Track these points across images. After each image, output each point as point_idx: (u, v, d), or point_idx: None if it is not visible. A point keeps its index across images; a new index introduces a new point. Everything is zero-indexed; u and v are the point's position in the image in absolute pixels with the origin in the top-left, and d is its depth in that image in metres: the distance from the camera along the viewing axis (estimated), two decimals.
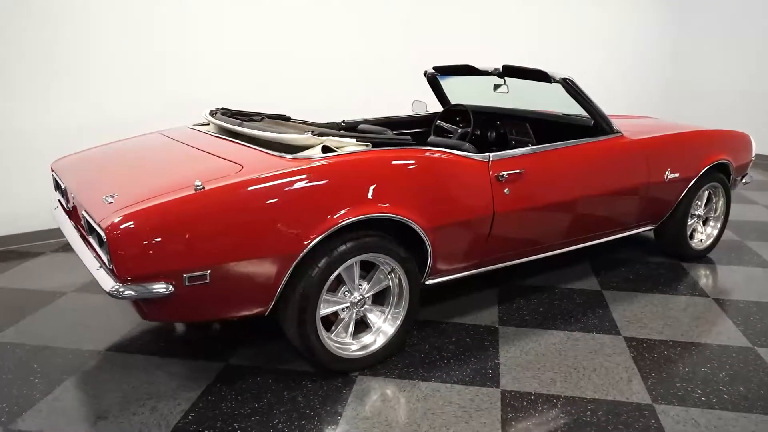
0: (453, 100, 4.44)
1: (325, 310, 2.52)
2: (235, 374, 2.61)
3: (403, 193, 2.55)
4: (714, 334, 2.98)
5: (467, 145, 2.94)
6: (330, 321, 2.63)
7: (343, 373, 2.60)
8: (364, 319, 2.69)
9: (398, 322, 2.70)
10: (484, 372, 2.63)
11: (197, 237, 2.15)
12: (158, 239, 2.10)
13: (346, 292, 2.58)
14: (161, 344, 2.86)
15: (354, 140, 2.61)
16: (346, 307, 2.60)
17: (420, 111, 4.40)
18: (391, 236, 2.59)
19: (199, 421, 2.27)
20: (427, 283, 2.84)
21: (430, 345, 2.87)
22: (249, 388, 2.51)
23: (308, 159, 2.43)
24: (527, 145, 3.33)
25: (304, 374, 2.59)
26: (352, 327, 2.63)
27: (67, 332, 2.96)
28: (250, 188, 2.25)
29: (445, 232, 2.70)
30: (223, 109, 3.47)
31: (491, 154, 2.87)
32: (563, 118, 3.64)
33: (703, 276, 3.74)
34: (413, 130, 4.37)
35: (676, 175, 3.61)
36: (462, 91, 4.37)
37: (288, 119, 3.75)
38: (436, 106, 4.51)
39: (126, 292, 2.08)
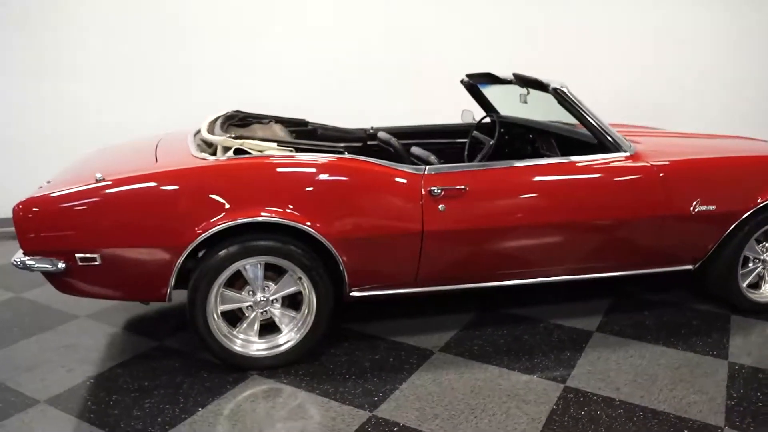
0: (501, 109, 4.17)
1: (224, 306, 2.62)
2: (158, 353, 2.83)
3: (305, 200, 2.55)
4: (683, 404, 2.44)
5: (437, 156, 2.81)
6: (238, 318, 2.71)
7: (242, 369, 2.67)
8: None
9: (306, 328, 2.69)
10: (373, 393, 2.51)
11: (89, 223, 2.42)
12: (54, 222, 2.40)
13: (251, 292, 2.65)
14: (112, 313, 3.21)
15: (275, 144, 2.67)
16: (249, 306, 2.66)
17: (467, 120, 4.21)
18: (302, 243, 2.57)
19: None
20: (351, 294, 2.77)
21: (348, 358, 2.80)
22: (159, 366, 2.72)
23: (205, 160, 2.56)
24: None
25: (209, 365, 2.71)
26: (257, 326, 2.69)
27: None
28: (141, 183, 2.45)
29: (360, 244, 2.63)
30: (236, 111, 3.72)
31: (428, 167, 2.71)
32: (569, 132, 3.24)
33: (743, 335, 3.05)
34: (453, 140, 4.21)
35: (711, 207, 2.99)
36: (510, 100, 4.09)
37: (305, 124, 3.90)
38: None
39: (27, 262, 2.42)
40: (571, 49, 5.57)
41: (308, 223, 2.52)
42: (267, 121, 3.62)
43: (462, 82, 4.03)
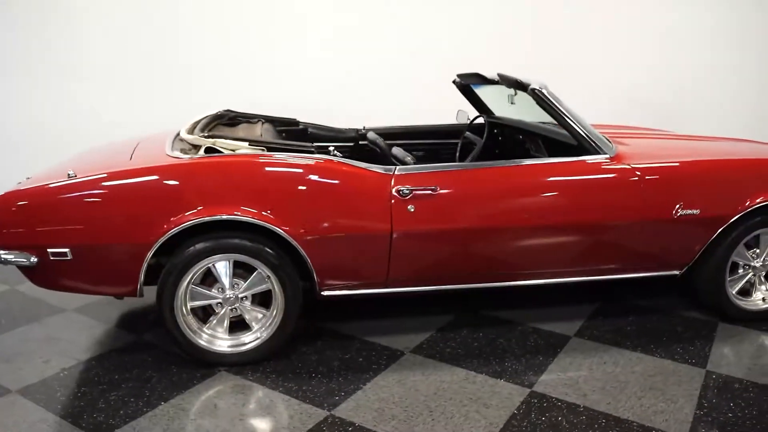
0: (497, 110, 4.13)
1: (194, 302, 2.66)
2: (135, 348, 2.89)
3: (272, 199, 2.57)
4: (649, 413, 2.38)
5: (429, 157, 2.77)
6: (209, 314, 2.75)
7: (210, 365, 2.71)
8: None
9: (273, 327, 2.71)
10: (335, 393, 2.52)
11: (60, 218, 2.49)
12: (27, 217, 2.48)
13: (220, 289, 2.68)
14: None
15: (246, 144, 2.70)
16: (219, 303, 2.69)
17: (462, 120, 4.19)
18: (269, 242, 2.59)
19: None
20: (323, 294, 2.79)
21: (318, 356, 2.82)
22: (132, 360, 2.78)
23: (178, 159, 2.60)
24: None
25: (181, 360, 2.75)
26: (226, 323, 2.72)
27: None
28: (109, 181, 2.51)
29: (328, 243, 2.64)
30: (226, 110, 3.76)
31: (398, 168, 2.70)
32: (553, 133, 3.19)
33: (727, 343, 2.96)
34: (447, 140, 4.18)
35: (695, 211, 2.91)
36: (503, 101, 4.05)
37: (296, 123, 3.93)
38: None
39: (3, 256, 2.49)
40: (576, 48, 5.48)
41: (274, 222, 2.54)
42: (256, 120, 3.65)
43: (454, 82, 4.00)
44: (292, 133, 3.88)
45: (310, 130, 3.95)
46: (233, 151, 2.68)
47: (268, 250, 2.59)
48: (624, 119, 4.88)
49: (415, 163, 2.84)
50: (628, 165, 2.87)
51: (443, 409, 2.40)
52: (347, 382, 2.59)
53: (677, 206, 2.88)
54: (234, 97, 4.75)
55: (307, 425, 2.30)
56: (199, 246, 2.54)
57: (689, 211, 2.90)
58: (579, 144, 2.91)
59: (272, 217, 2.55)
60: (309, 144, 2.75)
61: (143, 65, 5.03)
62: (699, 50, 5.51)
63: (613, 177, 2.84)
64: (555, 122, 3.21)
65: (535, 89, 2.89)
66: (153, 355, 2.82)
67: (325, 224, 2.61)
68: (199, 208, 2.50)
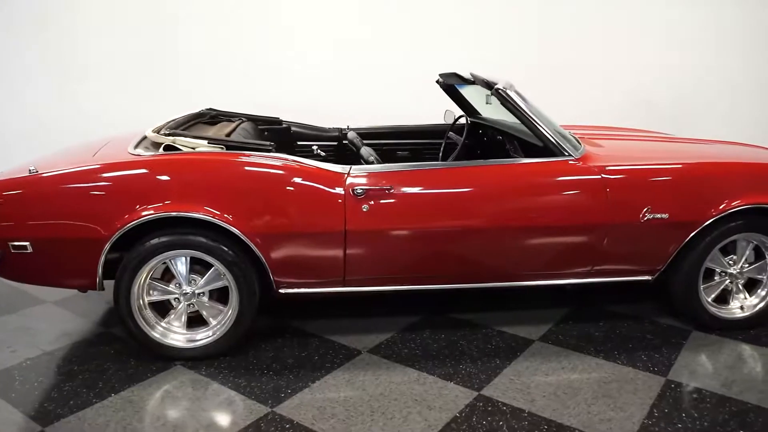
0: (482, 110, 4.10)
1: (152, 297, 2.71)
2: (101, 340, 2.96)
3: (225, 196, 2.60)
4: (595, 420, 2.33)
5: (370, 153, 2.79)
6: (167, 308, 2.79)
7: (168, 359, 2.75)
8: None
9: (229, 323, 2.74)
10: (282, 390, 2.53)
11: (19, 212, 2.57)
12: None
13: (178, 284, 2.73)
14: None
15: (206, 142, 2.74)
16: (177, 298, 2.74)
17: (450, 120, 4.17)
18: (224, 239, 2.63)
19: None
20: (280, 292, 2.81)
21: (275, 353, 2.84)
22: (95, 352, 2.85)
23: (137, 156, 2.65)
24: None
25: (140, 353, 2.80)
26: (184, 318, 2.77)
27: None
28: (67, 177, 2.58)
29: (282, 242, 2.66)
30: (208, 109, 3.82)
31: (353, 167, 2.71)
32: (524, 134, 3.15)
33: (695, 352, 2.87)
34: (433, 140, 4.16)
35: (663, 216, 2.83)
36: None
37: (279, 122, 3.97)
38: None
39: None
40: (579, 48, 5.38)
41: (227, 219, 2.57)
42: (236, 119, 3.70)
43: (437, 82, 3.97)
44: (274, 131, 3.92)
45: (293, 129, 3.98)
46: (193, 149, 2.72)
47: (223, 247, 2.62)
48: (628, 119, 4.79)
49: (379, 163, 2.84)
50: (593, 167, 2.81)
51: (385, 410, 2.39)
52: (297, 380, 2.61)
53: (645, 210, 2.81)
54: (234, 96, 4.84)
55: (247, 421, 2.32)
56: (154, 242, 2.59)
57: (657, 215, 2.82)
58: (544, 145, 2.86)
59: (225, 215, 2.58)
60: (268, 143, 2.76)
61: (143, 65, 5.13)
62: (706, 50, 5.35)
63: (575, 179, 2.79)
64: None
65: (499, 89, 2.86)
66: (117, 348, 2.88)
67: (279, 222, 2.63)
68: (153, 204, 2.54)
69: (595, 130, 3.85)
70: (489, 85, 2.97)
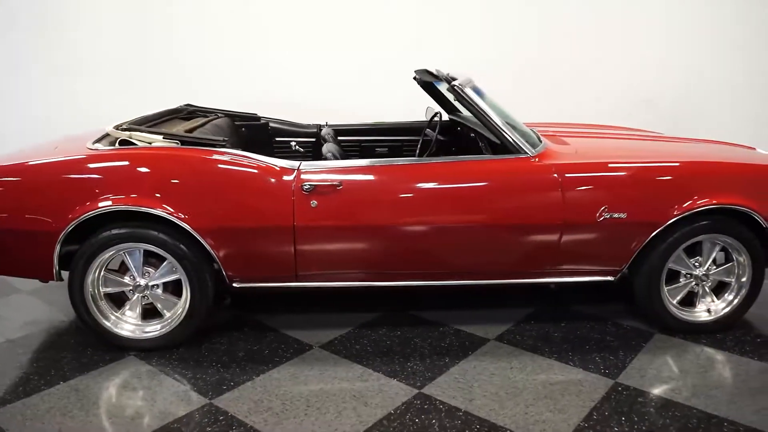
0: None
1: (108, 288, 2.78)
2: (64, 328, 3.04)
3: (174, 191, 2.64)
4: (530, 422, 2.30)
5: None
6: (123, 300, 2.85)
7: (123, 349, 2.81)
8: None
9: (181, 316, 2.79)
10: (226, 382, 2.57)
11: None
12: None
13: (132, 276, 2.78)
14: None
15: (161, 137, 2.79)
16: (131, 290, 2.80)
17: (429, 117, 4.15)
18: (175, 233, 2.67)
19: None
20: (234, 285, 2.84)
21: (228, 347, 2.87)
22: (56, 341, 2.93)
23: (94, 150, 2.71)
24: None
25: (97, 343, 2.86)
26: (139, 310, 2.82)
27: None
28: (23, 170, 2.66)
29: (232, 236, 2.69)
30: (186, 105, 3.88)
31: (303, 163, 2.72)
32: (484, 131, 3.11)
33: (652, 356, 2.80)
34: (415, 137, 4.14)
35: (621, 215, 2.77)
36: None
37: (257, 119, 4.00)
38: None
39: None
40: (584, 45, 5.28)
41: (176, 214, 2.61)
42: (212, 115, 3.75)
43: (414, 79, 3.96)
44: (252, 128, 3.96)
45: (271, 125, 4.02)
46: (149, 144, 2.77)
47: (173, 240, 2.66)
48: (629, 118, 4.67)
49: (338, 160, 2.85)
50: (548, 165, 2.76)
51: (321, 405, 2.40)
52: (242, 373, 2.64)
53: (602, 209, 2.76)
54: (234, 96, 4.83)
55: (182, 412, 2.36)
56: (106, 234, 2.65)
57: (615, 215, 2.77)
58: (501, 142, 2.83)
59: (174, 209, 2.62)
60: (220, 138, 2.79)
61: (141, 64, 5.18)
62: (706, 48, 5.21)
63: (529, 177, 2.75)
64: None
65: (455, 86, 2.84)
66: (78, 338, 2.95)
67: (228, 217, 2.66)
68: (103, 198, 2.60)
69: (575, 128, 3.80)
70: (449, 82, 2.95)
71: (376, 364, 2.71)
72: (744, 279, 2.95)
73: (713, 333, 2.98)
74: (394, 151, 4.08)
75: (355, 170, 2.73)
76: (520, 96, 5.14)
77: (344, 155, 3.07)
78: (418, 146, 3.92)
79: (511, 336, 2.97)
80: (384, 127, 4.13)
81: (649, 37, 5.26)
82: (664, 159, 2.92)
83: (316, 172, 2.69)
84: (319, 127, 4.06)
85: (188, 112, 3.76)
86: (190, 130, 3.05)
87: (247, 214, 2.67)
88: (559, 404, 2.41)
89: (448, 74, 3.07)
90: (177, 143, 2.78)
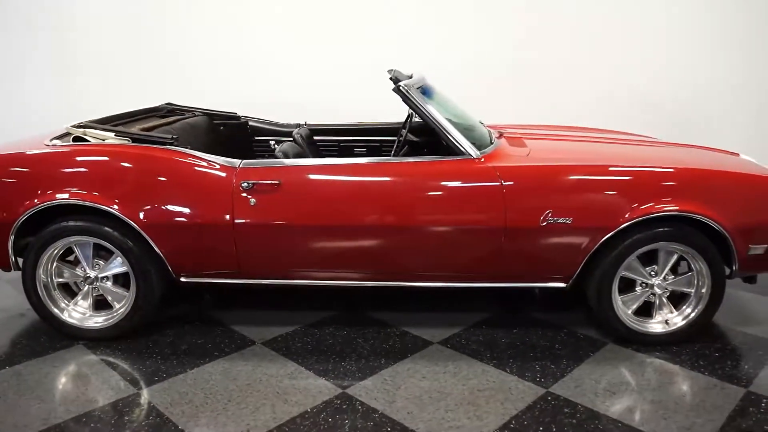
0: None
1: (59, 278, 2.89)
2: (29, 316, 3.17)
3: (118, 187, 2.72)
4: (441, 428, 2.27)
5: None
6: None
7: (72, 338, 2.92)
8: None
9: (128, 307, 2.87)
10: (160, 373, 2.63)
11: None
12: None
13: (83, 268, 2.89)
14: None
15: (113, 134, 2.88)
16: (82, 281, 2.90)
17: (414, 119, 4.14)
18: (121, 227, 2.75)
19: None
20: (182, 280, 2.91)
21: (173, 339, 2.94)
22: (17, 328, 3.06)
23: (49, 146, 2.83)
24: None
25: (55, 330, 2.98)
26: (90, 300, 2.92)
27: None
28: None
29: (174, 232, 2.75)
30: (166, 103, 3.99)
31: (243, 161, 2.76)
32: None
33: (593, 366, 2.72)
34: (391, 137, 4.14)
35: (567, 220, 2.70)
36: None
37: (237, 118, 4.08)
38: None
39: None
40: (586, 46, 5.15)
41: (118, 208, 2.69)
42: (189, 114, 3.84)
43: (391, 79, 3.94)
44: (231, 126, 4.03)
45: (251, 123, 4.08)
46: (103, 140, 2.86)
47: (118, 234, 2.74)
48: (630, 118, 4.71)
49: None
50: (491, 167, 2.71)
51: (242, 400, 2.43)
52: (179, 365, 2.69)
53: (546, 213, 2.69)
54: (233, 95, 4.95)
55: (108, 400, 2.43)
56: (54, 227, 2.76)
57: (560, 219, 2.69)
58: (446, 144, 2.80)
59: (117, 204, 2.70)
60: (168, 136, 2.86)
61: (140, 62, 5.34)
62: (709, 49, 4.99)
63: (469, 179, 2.71)
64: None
65: (400, 86, 2.82)
66: (39, 325, 3.07)
67: (170, 213, 2.73)
68: (52, 192, 2.70)
69: (554, 131, 3.70)
70: (395, 82, 2.94)
71: (311, 363, 2.72)
72: (704, 290, 2.82)
73: (669, 345, 2.86)
74: (373, 151, 4.08)
75: (294, 170, 2.75)
76: (521, 97, 5.11)
77: (304, 155, 3.09)
78: (395, 147, 3.91)
79: (457, 340, 2.93)
80: (364, 128, 4.13)
81: (652, 39, 5.08)
82: (619, 163, 2.82)
83: (256, 170, 2.72)
84: (299, 126, 4.09)
85: (167, 111, 3.86)
86: (149, 129, 3.13)
87: (188, 211, 2.73)
88: (480, 411, 2.36)
89: (410, 75, 3.06)
90: (128, 140, 2.86)
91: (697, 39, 4.98)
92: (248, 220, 2.71)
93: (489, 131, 3.19)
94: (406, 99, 2.82)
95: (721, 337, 2.97)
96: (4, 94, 5.30)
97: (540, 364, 2.71)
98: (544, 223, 2.69)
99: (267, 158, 3.67)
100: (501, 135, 3.31)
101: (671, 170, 2.78)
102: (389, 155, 3.83)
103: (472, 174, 2.71)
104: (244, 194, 2.69)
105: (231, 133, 4.01)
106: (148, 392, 2.49)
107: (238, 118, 4.08)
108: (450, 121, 2.82)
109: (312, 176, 2.75)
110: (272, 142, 4.11)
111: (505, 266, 2.81)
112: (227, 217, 2.71)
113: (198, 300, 3.35)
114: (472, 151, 2.76)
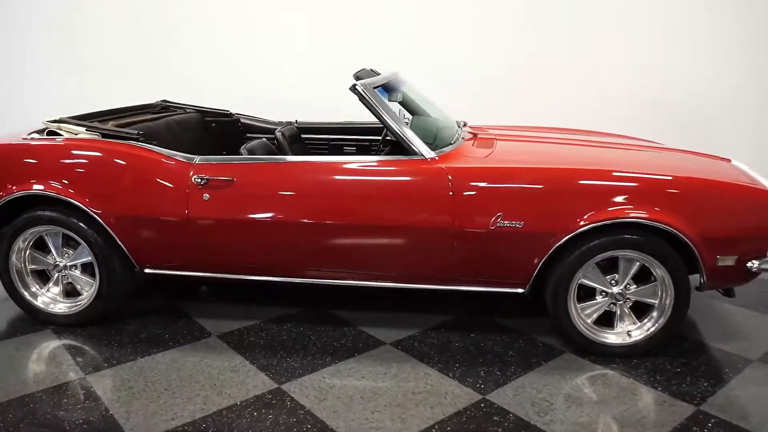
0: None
1: (33, 265, 3.04)
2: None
3: (81, 179, 2.84)
4: (366, 428, 2.26)
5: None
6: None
7: (43, 322, 3.06)
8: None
9: (93, 295, 2.99)
10: (111, 360, 2.73)
11: None
12: None
13: (54, 256, 3.03)
14: None
15: (83, 129, 3.01)
16: (53, 269, 3.04)
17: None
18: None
19: None
20: (146, 271, 3.01)
21: (137, 328, 3.04)
22: None
23: (24, 140, 2.97)
24: None
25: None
26: (60, 287, 3.06)
27: None
28: None
29: (133, 224, 2.85)
30: (161, 101, 4.12)
31: (200, 157, 2.83)
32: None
33: (542, 374, 2.64)
34: (379, 136, 4.14)
35: (517, 224, 2.63)
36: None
37: (230, 115, 4.18)
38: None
39: None
40: (589, 48, 5.00)
41: (80, 200, 2.81)
42: (180, 111, 3.96)
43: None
44: (222, 123, 4.13)
45: (242, 121, 4.17)
46: (76, 135, 2.99)
47: (82, 225, 2.86)
48: (631, 118, 4.58)
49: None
50: (441, 168, 2.68)
51: (177, 389, 2.50)
52: (132, 353, 2.79)
53: (496, 216, 2.63)
54: (233, 95, 5.03)
55: (55, 383, 2.54)
56: (23, 217, 2.90)
57: (510, 223, 2.63)
58: (399, 143, 2.79)
59: (81, 196, 2.81)
60: (135, 132, 2.94)
61: (140, 62, 5.41)
62: (711, 50, 4.76)
63: (418, 179, 2.69)
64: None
65: (356, 85, 2.82)
66: (17, 311, 3.22)
67: (130, 206, 2.82)
68: (20, 183, 2.84)
69: (537, 132, 3.61)
70: (357, 79, 2.95)
71: (257, 357, 2.76)
72: (667, 302, 2.69)
73: (629, 358, 2.74)
74: (363, 150, 4.09)
75: (247, 167, 2.79)
76: (520, 98, 5.00)
77: (282, 153, 3.14)
78: (380, 145, 3.91)
79: (410, 342, 2.91)
80: (353, 127, 4.15)
81: (652, 39, 4.89)
82: (579, 167, 2.72)
83: (211, 166, 2.78)
84: (289, 124, 4.15)
85: (162, 108, 3.99)
86: (130, 124, 3.24)
87: (146, 204, 2.81)
88: (406, 414, 2.34)
89: (383, 74, 3.07)
90: (98, 135, 2.97)
91: (698, 39, 4.76)
92: (202, 215, 2.78)
93: (458, 132, 3.14)
94: (361, 98, 2.81)
95: (690, 351, 2.83)
96: (4, 93, 5.45)
97: (486, 370, 2.65)
98: (494, 227, 2.63)
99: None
100: (475, 136, 3.26)
101: (632, 176, 2.67)
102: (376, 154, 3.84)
103: (420, 174, 2.68)
104: (199, 189, 2.75)
105: (222, 130, 4.11)
106: (93, 378, 2.58)
107: (230, 115, 4.17)
108: (421, 118, 2.78)
109: (264, 174, 2.78)
110: (264, 140, 4.18)
111: (457, 269, 2.77)
112: (182, 211, 2.78)
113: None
114: (425, 151, 2.73)
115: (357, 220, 2.72)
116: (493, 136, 3.29)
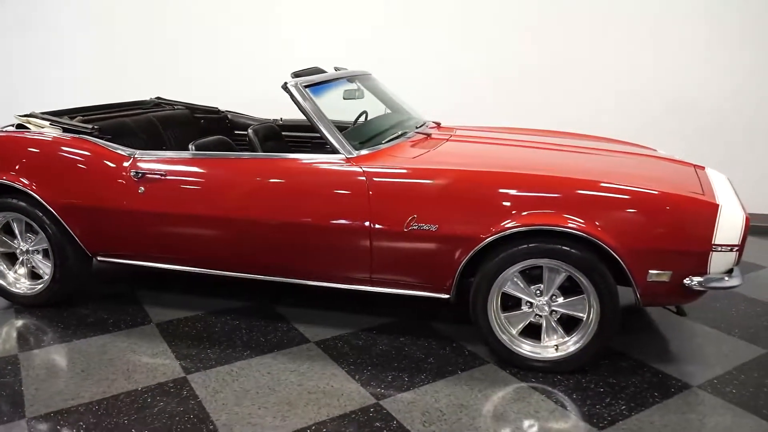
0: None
1: (2, 249, 3.29)
2: None
3: (33, 170, 3.05)
4: (243, 424, 2.29)
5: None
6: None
7: (10, 300, 3.30)
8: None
9: (49, 279, 3.19)
10: (42, 340, 2.90)
11: None
12: None
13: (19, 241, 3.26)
14: None
15: (48, 123, 3.22)
16: (18, 252, 3.27)
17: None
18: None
19: None
20: (99, 259, 3.18)
21: (89, 312, 3.20)
22: None
23: None
24: None
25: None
26: (24, 270, 3.29)
27: None
28: None
29: (80, 213, 3.02)
30: (156, 98, 4.32)
31: (139, 151, 2.95)
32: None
33: (450, 386, 2.55)
34: None
35: (431, 227, 2.56)
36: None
37: (218, 112, 4.33)
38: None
39: None
40: (596, 50, 4.77)
41: (33, 189, 3.00)
42: (170, 108, 4.14)
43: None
44: (210, 119, 4.28)
45: (230, 117, 4.30)
46: (42, 129, 3.21)
47: (38, 213, 3.06)
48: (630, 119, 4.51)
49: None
50: (359, 168, 2.65)
51: (92, 373, 2.62)
52: (70, 336, 2.95)
53: (410, 219, 2.57)
54: (233, 95, 5.16)
55: None
56: None
57: (424, 226, 2.56)
58: (325, 142, 2.78)
59: (32, 185, 3.01)
60: (90, 126, 3.10)
61: (141, 63, 5.57)
62: (713, 51, 4.39)
63: (333, 178, 2.67)
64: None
65: (287, 83, 2.85)
66: None
67: (78, 196, 2.99)
68: None
69: (506, 134, 3.47)
70: (296, 77, 2.97)
71: (181, 346, 2.84)
72: (592, 317, 2.53)
73: (553, 373, 2.60)
74: None
75: (179, 162, 2.88)
76: (522, 98, 4.83)
77: (226, 149, 3.21)
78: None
79: (334, 342, 2.89)
80: (337, 125, 4.16)
81: (653, 40, 4.60)
82: (503, 171, 2.60)
83: (148, 161, 2.89)
84: (275, 121, 4.23)
85: (154, 104, 4.19)
86: (101, 119, 3.43)
87: (90, 195, 2.97)
88: (291, 412, 2.34)
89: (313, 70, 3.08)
90: (60, 129, 3.16)
91: (699, 40, 4.43)
92: (138, 208, 2.89)
93: (405, 132, 3.10)
94: (291, 96, 2.83)
95: (624, 371, 2.63)
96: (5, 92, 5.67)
97: (394, 375, 2.60)
98: (408, 229, 2.57)
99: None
100: (428, 136, 3.20)
101: (558, 182, 2.51)
102: None
103: (337, 173, 2.66)
104: (135, 182, 2.87)
105: (210, 126, 4.25)
106: (22, 356, 2.76)
107: (218, 112, 4.30)
108: (378, 116, 2.78)
109: (192, 169, 2.86)
110: (221, 137, 4.28)
111: (379, 271, 2.72)
112: (120, 202, 2.91)
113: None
114: (345, 150, 2.71)
115: (277, 217, 2.74)
116: (447, 137, 3.20)
